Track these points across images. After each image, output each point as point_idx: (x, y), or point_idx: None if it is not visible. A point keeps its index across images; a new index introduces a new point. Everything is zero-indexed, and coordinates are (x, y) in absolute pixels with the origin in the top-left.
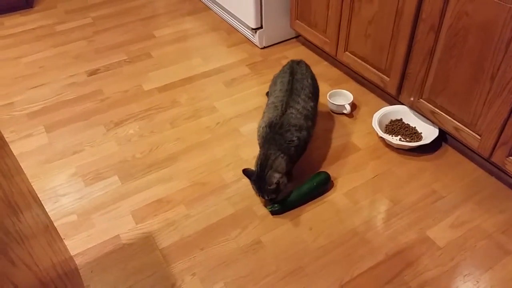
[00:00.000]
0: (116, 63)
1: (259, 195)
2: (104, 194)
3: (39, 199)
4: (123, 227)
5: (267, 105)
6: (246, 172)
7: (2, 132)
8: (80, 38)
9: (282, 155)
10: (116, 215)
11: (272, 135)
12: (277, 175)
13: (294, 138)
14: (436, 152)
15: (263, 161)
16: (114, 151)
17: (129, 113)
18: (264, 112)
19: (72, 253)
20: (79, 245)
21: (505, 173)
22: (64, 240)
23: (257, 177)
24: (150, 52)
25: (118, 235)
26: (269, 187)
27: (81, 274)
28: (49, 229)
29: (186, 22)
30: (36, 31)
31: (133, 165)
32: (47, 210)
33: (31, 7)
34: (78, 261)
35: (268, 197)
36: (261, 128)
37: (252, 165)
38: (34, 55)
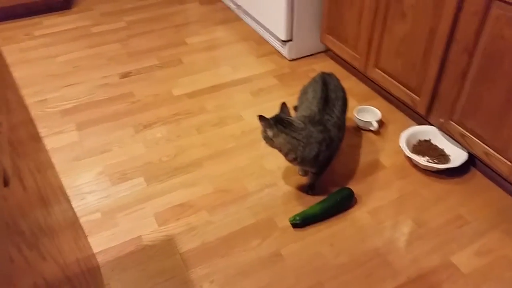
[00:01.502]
0: (148, 67)
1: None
2: (129, 195)
3: (67, 195)
4: (146, 228)
5: (299, 111)
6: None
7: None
8: (114, 40)
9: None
10: (140, 216)
11: (310, 127)
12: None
13: (327, 141)
14: (464, 176)
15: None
16: (141, 153)
17: (158, 117)
18: (296, 116)
19: (95, 250)
20: (101, 243)
21: None
22: (87, 237)
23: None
24: (181, 59)
25: (140, 236)
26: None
27: (102, 272)
28: (75, 225)
29: (218, 31)
30: (73, 31)
31: (159, 167)
32: (73, 206)
33: (69, 8)
34: (99, 259)
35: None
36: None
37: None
38: (70, 55)
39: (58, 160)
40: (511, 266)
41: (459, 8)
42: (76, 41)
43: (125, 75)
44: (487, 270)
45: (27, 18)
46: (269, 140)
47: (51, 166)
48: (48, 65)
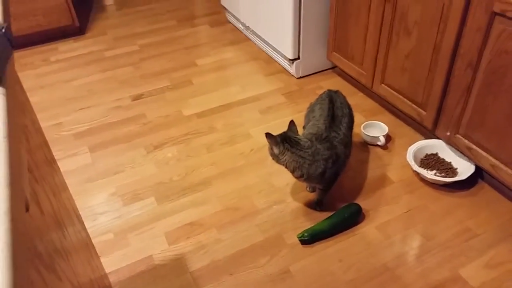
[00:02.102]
0: (159, 89)
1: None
2: (140, 215)
3: (80, 216)
4: (157, 247)
5: (306, 129)
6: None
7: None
8: (127, 64)
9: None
10: (151, 236)
11: (316, 145)
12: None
13: (334, 157)
14: (472, 189)
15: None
16: (153, 173)
17: (168, 137)
18: (303, 133)
19: (107, 270)
20: (113, 263)
21: None
22: (100, 257)
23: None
24: (191, 80)
25: (151, 255)
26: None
27: None
28: (88, 246)
29: (227, 51)
30: (87, 56)
31: (170, 187)
32: (86, 227)
33: (84, 33)
34: (112, 279)
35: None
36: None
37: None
38: (84, 79)
39: (71, 182)
40: None
41: (462, 24)
42: (90, 65)
43: (137, 97)
44: (496, 283)
45: (43, 44)
46: (275, 157)
47: (65, 188)
48: (63, 89)
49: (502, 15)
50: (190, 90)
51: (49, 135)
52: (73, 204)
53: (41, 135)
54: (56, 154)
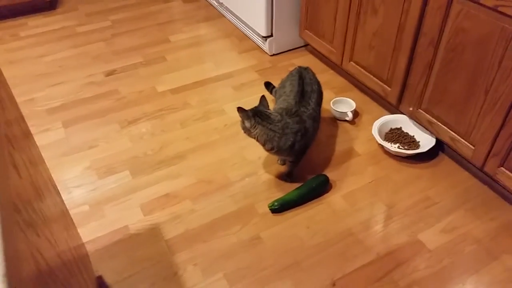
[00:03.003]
0: (132, 65)
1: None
2: (115, 187)
3: (57, 187)
4: (132, 218)
5: (277, 104)
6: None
7: None
8: (99, 39)
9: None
10: (126, 207)
11: (286, 119)
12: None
13: (302, 131)
14: (432, 161)
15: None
16: (127, 148)
17: (142, 113)
18: (274, 108)
19: (83, 240)
20: (90, 233)
21: (497, 183)
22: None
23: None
24: (165, 56)
25: (127, 225)
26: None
27: (91, 260)
28: (65, 215)
29: (200, 28)
30: (58, 32)
31: (144, 161)
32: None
33: (54, 8)
34: (88, 248)
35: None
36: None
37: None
38: (55, 55)
39: (46, 156)
40: (473, 241)
41: (425, 4)
42: (61, 41)
43: (110, 73)
44: (450, 245)
45: (12, 19)
46: (247, 131)
47: (42, 161)
48: (34, 65)
49: None
50: (163, 66)
51: (21, 111)
52: (49, 176)
53: (16, 108)
54: (30, 129)
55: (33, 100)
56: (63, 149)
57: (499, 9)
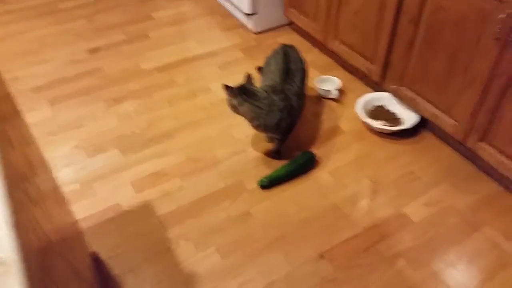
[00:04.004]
0: (115, 42)
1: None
2: (105, 165)
3: (48, 164)
4: (123, 195)
5: (262, 81)
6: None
7: None
8: (81, 16)
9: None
10: (117, 185)
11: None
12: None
13: (288, 108)
14: (416, 137)
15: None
16: (114, 126)
17: (128, 91)
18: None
19: (77, 218)
20: (82, 211)
21: (478, 157)
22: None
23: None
24: (147, 33)
25: (119, 203)
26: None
27: (84, 237)
28: (58, 192)
29: (184, 5)
30: (38, 8)
31: (132, 139)
32: None
33: None
34: (81, 225)
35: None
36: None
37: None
38: (36, 32)
39: (33, 136)
40: (455, 214)
41: None
42: (42, 17)
43: (93, 51)
44: (434, 218)
45: None
46: (234, 108)
47: (32, 139)
48: (15, 42)
49: None
50: (147, 43)
51: None
52: (40, 153)
53: (4, 86)
54: None
55: (17, 79)
56: (50, 128)
57: None
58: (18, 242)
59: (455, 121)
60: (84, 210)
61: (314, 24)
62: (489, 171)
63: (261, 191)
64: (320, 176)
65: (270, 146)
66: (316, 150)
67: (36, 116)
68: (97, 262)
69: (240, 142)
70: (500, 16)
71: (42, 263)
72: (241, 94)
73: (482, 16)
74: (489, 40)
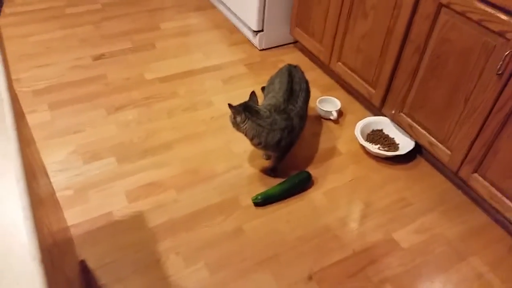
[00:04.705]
0: (121, 50)
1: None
2: (100, 173)
3: (46, 168)
4: (116, 205)
5: (265, 100)
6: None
7: None
8: (88, 22)
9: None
10: (111, 194)
11: (274, 116)
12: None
13: (289, 128)
14: (411, 163)
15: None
16: (113, 134)
17: (130, 100)
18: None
19: (68, 224)
20: (74, 217)
21: (470, 188)
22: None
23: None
24: (154, 43)
25: (111, 211)
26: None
27: (75, 244)
28: (54, 197)
29: (192, 17)
30: (46, 11)
31: (130, 149)
32: None
33: None
34: (72, 232)
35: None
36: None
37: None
38: (42, 35)
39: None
40: (444, 242)
41: (414, 12)
42: (48, 21)
43: (98, 58)
44: (423, 245)
45: None
46: (236, 125)
47: (34, 141)
48: (20, 44)
49: (447, 7)
50: (152, 53)
51: None
52: (40, 157)
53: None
54: None
55: (18, 81)
56: (49, 132)
57: (483, 23)
58: (36, 239)
59: (451, 151)
60: (76, 216)
61: (319, 45)
62: (480, 202)
63: (255, 208)
64: (314, 196)
65: (267, 163)
66: (312, 170)
67: (35, 119)
68: (85, 271)
69: (238, 157)
70: (504, 52)
71: (50, 265)
72: (245, 112)
73: (486, 51)
74: (492, 75)
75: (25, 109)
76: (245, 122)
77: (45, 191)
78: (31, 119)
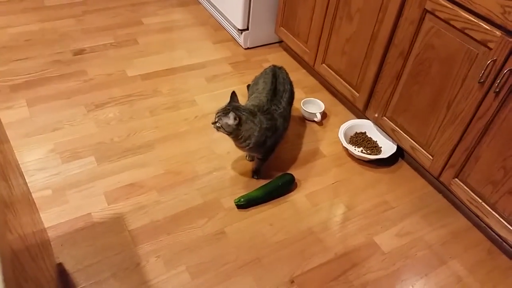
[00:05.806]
0: (102, 45)
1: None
2: (79, 173)
3: (20, 168)
4: (96, 206)
5: (249, 100)
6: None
7: None
8: (68, 16)
9: (260, 127)
10: (90, 194)
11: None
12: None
13: (273, 129)
14: (392, 166)
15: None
16: (93, 133)
17: (110, 97)
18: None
19: (45, 225)
20: (52, 219)
21: (451, 192)
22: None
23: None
24: (136, 39)
25: (90, 213)
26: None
27: (52, 246)
28: (29, 198)
29: (175, 13)
30: (24, 3)
31: (110, 148)
32: None
33: None
34: (49, 233)
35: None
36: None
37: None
38: (20, 27)
39: (8, 135)
40: (424, 246)
41: (399, 16)
42: (27, 13)
43: (78, 53)
44: (404, 249)
45: None
46: (222, 129)
47: (7, 139)
48: None
49: (432, 13)
50: (135, 49)
51: None
52: (14, 156)
53: None
54: None
55: None
56: (26, 129)
57: (466, 31)
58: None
59: (432, 155)
60: (54, 218)
61: (304, 46)
62: (460, 206)
63: (237, 210)
64: (297, 199)
65: (250, 164)
66: (295, 172)
67: (12, 116)
68: (62, 274)
69: (220, 158)
70: (486, 61)
71: (14, 270)
72: (242, 112)
73: (469, 59)
74: (474, 82)
75: (2, 104)
76: (246, 123)
77: (18, 192)
78: (9, 115)
